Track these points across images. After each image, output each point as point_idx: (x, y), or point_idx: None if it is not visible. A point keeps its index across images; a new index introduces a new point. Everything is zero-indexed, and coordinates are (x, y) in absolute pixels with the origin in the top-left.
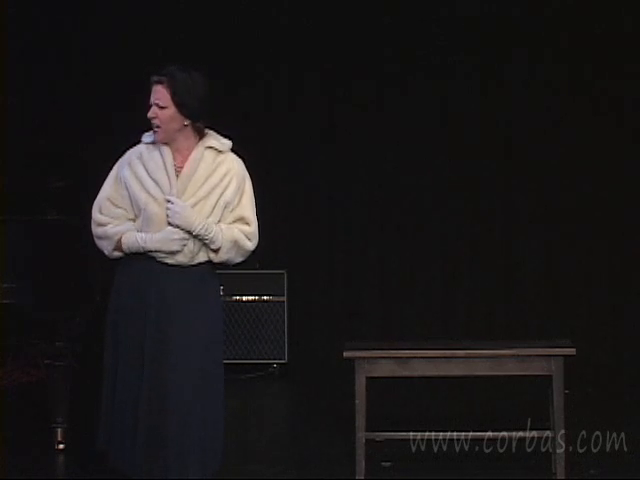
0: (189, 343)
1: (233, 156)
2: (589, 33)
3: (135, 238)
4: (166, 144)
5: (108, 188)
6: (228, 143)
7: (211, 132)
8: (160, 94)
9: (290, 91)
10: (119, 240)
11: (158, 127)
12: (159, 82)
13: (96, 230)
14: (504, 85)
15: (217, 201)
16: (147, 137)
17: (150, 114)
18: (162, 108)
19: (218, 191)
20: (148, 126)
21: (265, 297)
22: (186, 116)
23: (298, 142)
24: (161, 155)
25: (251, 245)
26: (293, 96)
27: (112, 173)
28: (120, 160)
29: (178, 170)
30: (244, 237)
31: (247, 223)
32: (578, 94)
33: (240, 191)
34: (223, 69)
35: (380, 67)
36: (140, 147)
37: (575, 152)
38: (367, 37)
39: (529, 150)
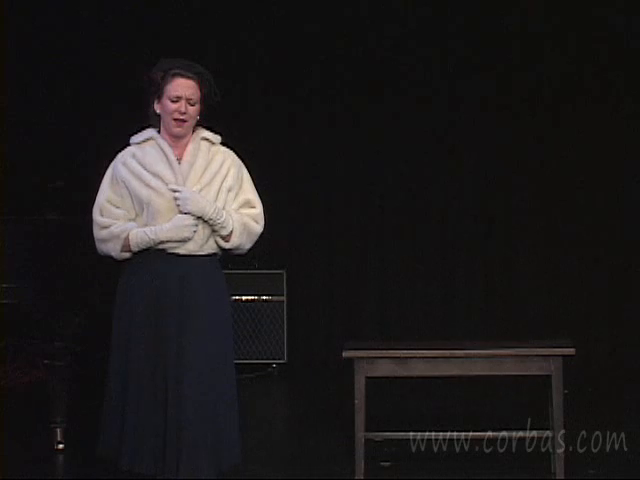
0: (206, 337)
1: (225, 147)
2: (590, 33)
3: (144, 233)
4: (164, 138)
5: (106, 191)
6: (219, 137)
7: (200, 126)
8: (192, 90)
9: (290, 91)
10: (126, 238)
11: (184, 122)
12: (189, 78)
13: (100, 233)
14: (504, 85)
15: (220, 187)
16: (136, 138)
17: (182, 109)
18: (193, 104)
19: (219, 177)
20: (147, 125)
21: (264, 297)
22: (203, 113)
23: (298, 142)
24: (160, 148)
25: (259, 228)
26: (293, 96)
27: (107, 177)
28: (113, 163)
29: (177, 161)
30: (251, 220)
31: (252, 206)
32: (578, 94)
33: (239, 177)
34: (223, 69)
35: (381, 67)
36: (130, 148)
37: (575, 152)
38: (367, 37)
39: (529, 150)
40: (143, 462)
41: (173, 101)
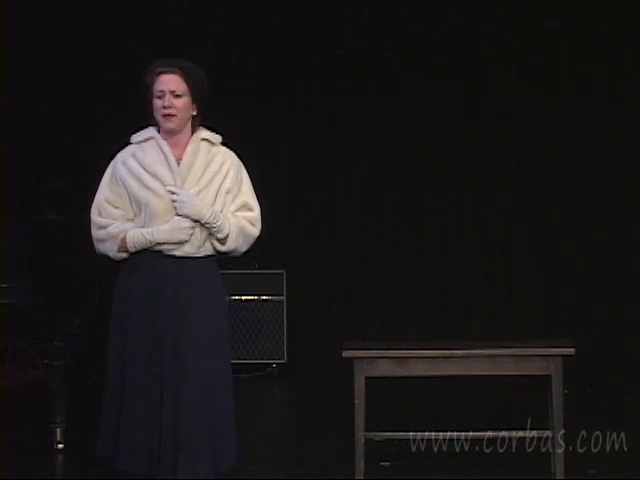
0: (203, 339)
1: (225, 148)
2: (588, 32)
3: (141, 234)
4: (164, 138)
5: (105, 190)
6: (219, 137)
7: (201, 127)
8: (176, 82)
9: (289, 91)
10: (123, 239)
11: (173, 115)
12: (172, 72)
13: (98, 233)
14: (503, 85)
15: (219, 189)
16: (137, 137)
17: (166, 103)
18: (178, 97)
19: (218, 179)
20: (147, 125)
21: (264, 297)
22: (196, 106)
23: (298, 141)
24: (160, 148)
25: (256, 231)
26: (293, 96)
27: (106, 176)
28: (112, 162)
29: (177, 161)
30: (248, 224)
31: (250, 209)
32: (579, 94)
33: (239, 179)
34: (223, 68)
35: (380, 66)
36: (130, 147)
37: (575, 152)
38: (367, 37)
39: (529, 150)
40: (138, 462)
41: (158, 97)
